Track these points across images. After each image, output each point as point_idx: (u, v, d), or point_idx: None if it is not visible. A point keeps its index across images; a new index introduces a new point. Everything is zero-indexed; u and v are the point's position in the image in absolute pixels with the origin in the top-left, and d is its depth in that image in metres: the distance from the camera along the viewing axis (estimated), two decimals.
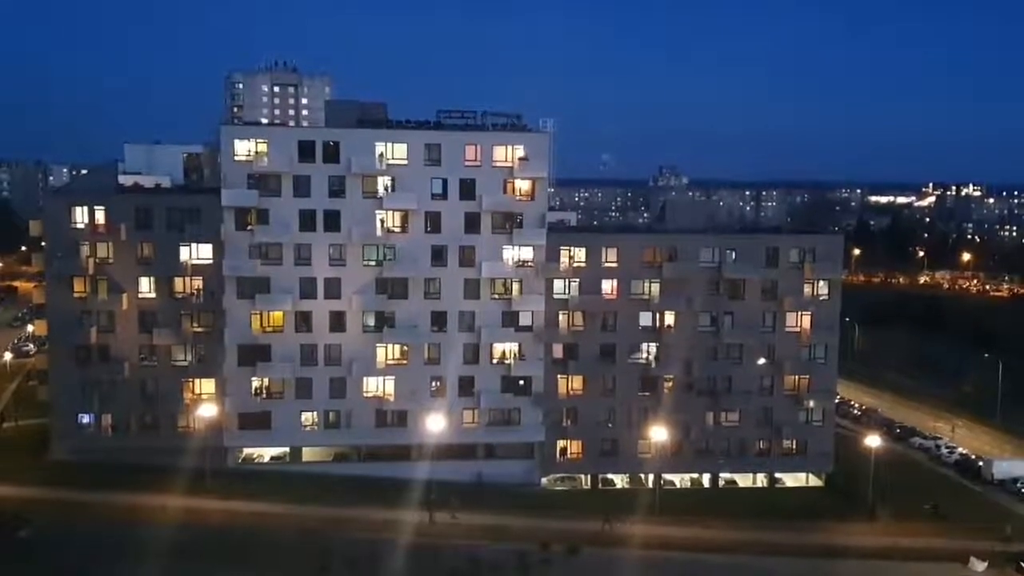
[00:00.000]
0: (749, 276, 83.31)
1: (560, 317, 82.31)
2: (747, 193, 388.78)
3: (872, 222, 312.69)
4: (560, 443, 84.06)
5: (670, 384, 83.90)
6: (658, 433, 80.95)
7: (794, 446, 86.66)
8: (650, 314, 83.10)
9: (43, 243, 79.19)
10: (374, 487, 76.42)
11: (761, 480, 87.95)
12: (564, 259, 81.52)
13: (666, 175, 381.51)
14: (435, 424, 78.45)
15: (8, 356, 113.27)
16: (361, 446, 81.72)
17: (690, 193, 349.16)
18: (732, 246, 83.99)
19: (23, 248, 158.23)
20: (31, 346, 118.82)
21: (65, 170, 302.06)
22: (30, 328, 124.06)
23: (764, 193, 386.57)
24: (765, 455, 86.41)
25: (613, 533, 69.66)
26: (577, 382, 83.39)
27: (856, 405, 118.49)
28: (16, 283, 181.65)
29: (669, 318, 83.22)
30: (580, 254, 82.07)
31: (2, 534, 62.08)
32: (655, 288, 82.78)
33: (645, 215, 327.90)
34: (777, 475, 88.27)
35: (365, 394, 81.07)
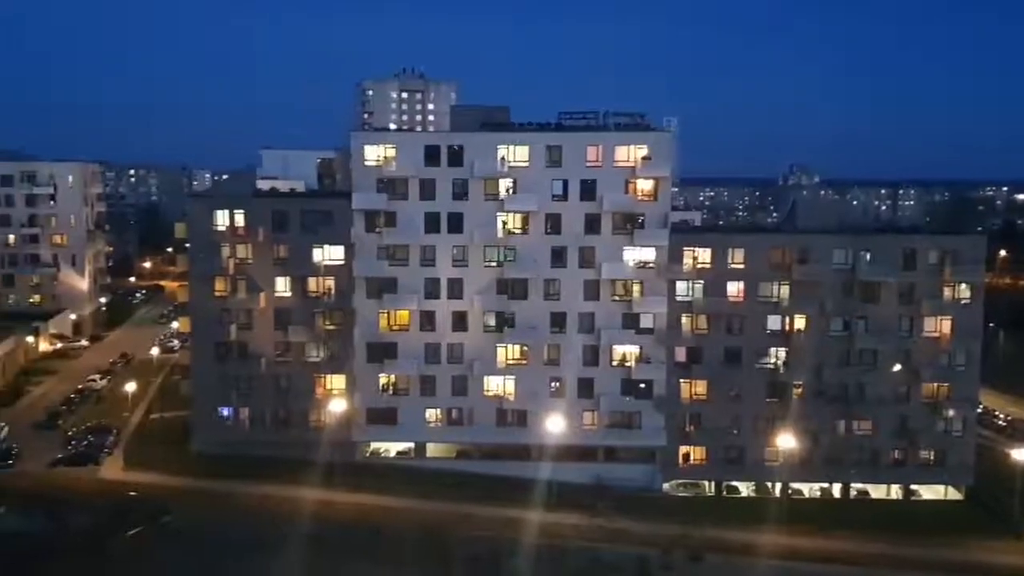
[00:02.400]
0: (885, 278, 79.83)
1: (683, 320, 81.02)
2: (882, 192, 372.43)
3: (1021, 222, 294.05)
4: (683, 448, 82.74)
5: (799, 390, 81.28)
6: (786, 440, 78.71)
7: (932, 457, 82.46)
8: (779, 317, 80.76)
9: (187, 244, 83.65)
10: (495, 485, 77.36)
11: (895, 492, 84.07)
12: (687, 260, 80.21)
13: (796, 173, 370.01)
14: (555, 425, 78.77)
15: (155, 351, 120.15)
16: (482, 444, 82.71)
17: (822, 192, 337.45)
18: (866, 247, 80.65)
19: (169, 249, 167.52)
20: (176, 342, 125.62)
21: (208, 175, 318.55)
22: (175, 325, 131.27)
23: (901, 192, 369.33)
24: (900, 465, 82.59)
25: (699, 538, 68.13)
26: (700, 387, 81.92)
27: (1000, 415, 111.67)
28: (163, 282, 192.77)
29: (799, 322, 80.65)
30: (704, 255, 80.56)
31: (148, 520, 66.10)
32: (784, 290, 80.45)
33: (774, 215, 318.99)
34: (913, 487, 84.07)
35: (486, 393, 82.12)
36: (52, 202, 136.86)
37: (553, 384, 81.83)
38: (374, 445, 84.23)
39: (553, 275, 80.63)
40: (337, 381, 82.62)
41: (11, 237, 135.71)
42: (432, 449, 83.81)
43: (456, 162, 79.81)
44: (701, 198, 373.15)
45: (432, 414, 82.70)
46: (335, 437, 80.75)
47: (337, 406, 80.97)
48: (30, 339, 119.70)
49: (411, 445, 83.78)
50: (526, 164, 79.80)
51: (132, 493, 73.25)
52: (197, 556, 61.55)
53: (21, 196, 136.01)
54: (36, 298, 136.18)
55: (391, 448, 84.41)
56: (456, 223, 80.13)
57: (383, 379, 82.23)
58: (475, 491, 76.06)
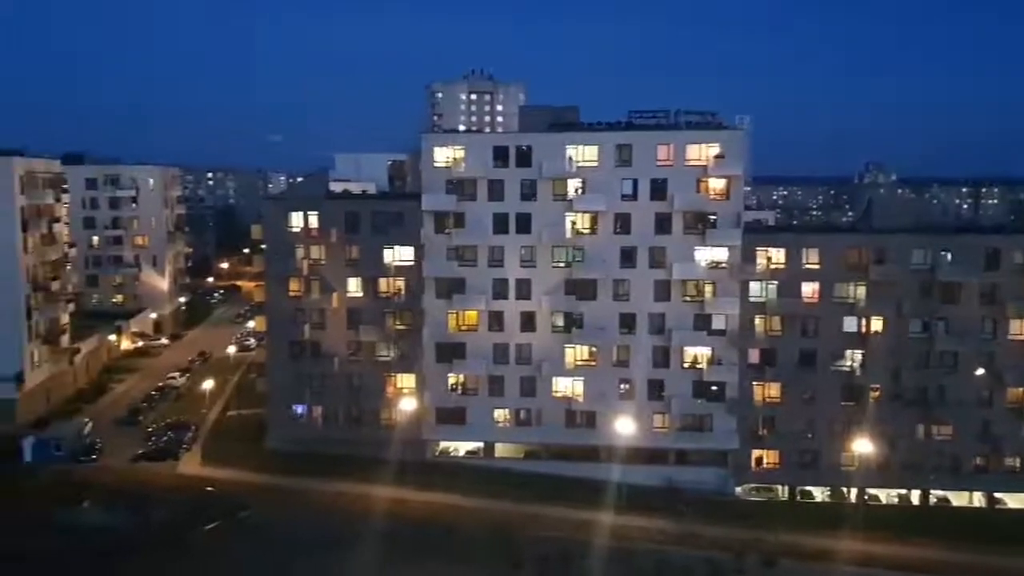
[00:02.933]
0: (966, 279, 77.36)
1: (756, 321, 79.72)
2: (963, 190, 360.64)
3: None
4: (755, 452, 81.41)
5: (876, 393, 79.33)
6: (862, 445, 76.84)
7: (1017, 464, 79.58)
8: (855, 319, 78.89)
9: (263, 245, 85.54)
10: (564, 486, 77.22)
11: (978, 499, 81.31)
12: (761, 260, 78.96)
13: (872, 171, 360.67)
14: (624, 427, 78.26)
15: (232, 350, 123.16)
16: (551, 445, 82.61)
17: (899, 190, 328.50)
18: (947, 247, 78.28)
19: (246, 250, 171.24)
20: (252, 341, 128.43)
21: (283, 177, 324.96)
22: (251, 324, 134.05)
23: (984, 190, 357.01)
24: (983, 472, 79.87)
25: (772, 543, 66.91)
26: (774, 389, 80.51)
27: None
28: (239, 282, 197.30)
29: (876, 323, 78.65)
30: (778, 255, 79.19)
31: (225, 515, 67.77)
32: (860, 291, 78.57)
33: (850, 214, 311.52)
34: (997, 495, 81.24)
35: (555, 394, 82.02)
36: (134, 205, 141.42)
37: (623, 385, 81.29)
38: (443, 444, 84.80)
39: (622, 275, 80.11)
40: (407, 380, 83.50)
41: (95, 238, 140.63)
42: (500, 449, 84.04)
43: (525, 163, 79.92)
44: (774, 197, 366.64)
45: (500, 414, 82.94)
46: (405, 436, 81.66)
47: (407, 405, 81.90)
48: (113, 337, 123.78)
49: (480, 445, 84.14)
50: (595, 164, 79.48)
51: (209, 489, 75.19)
52: (273, 552, 62.79)
53: (105, 199, 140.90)
54: (119, 298, 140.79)
55: (460, 447, 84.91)
56: (524, 223, 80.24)
57: (452, 379, 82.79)
58: (544, 492, 76.03)
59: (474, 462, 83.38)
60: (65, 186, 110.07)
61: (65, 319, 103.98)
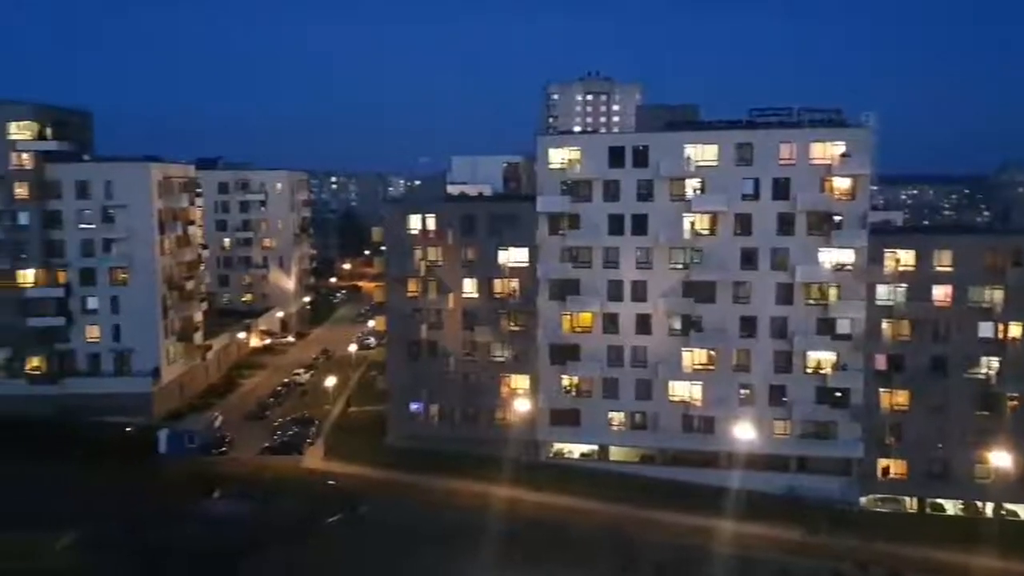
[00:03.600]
0: None
1: (883, 326, 76.56)
2: None
3: None
4: (882, 461, 78.14)
5: (1014, 403, 74.96)
6: (999, 457, 72.72)
7: None
8: (991, 324, 74.76)
9: (383, 247, 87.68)
10: (680, 491, 76.01)
11: None
12: (889, 262, 75.78)
13: (1010, 170, 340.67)
14: (744, 432, 76.48)
15: (353, 348, 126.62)
16: (667, 449, 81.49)
17: None
18: None
19: (366, 252, 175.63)
20: (372, 340, 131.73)
21: (402, 180, 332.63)
22: (371, 324, 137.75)
23: None
24: None
25: (899, 556, 64.03)
26: (902, 396, 77.10)
27: None
28: (360, 283, 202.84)
29: (1014, 329, 74.36)
30: (907, 257, 75.85)
31: (346, 509, 69.74)
32: (997, 295, 74.43)
33: (985, 214, 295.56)
34: None
35: (671, 398, 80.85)
36: (263, 208, 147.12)
37: (742, 391, 79.43)
38: (557, 446, 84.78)
39: (743, 277, 78.31)
40: (521, 381, 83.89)
41: (227, 241, 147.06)
42: (615, 452, 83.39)
43: (641, 163, 79.15)
44: (903, 197, 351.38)
45: (615, 417, 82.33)
46: (520, 436, 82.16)
47: (521, 405, 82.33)
48: (242, 335, 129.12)
49: (594, 447, 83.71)
50: (714, 163, 78.00)
51: (332, 482, 77.47)
52: (391, 545, 64.23)
53: (236, 202, 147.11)
54: (248, 297, 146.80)
55: (574, 449, 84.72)
56: (640, 224, 79.46)
57: (566, 380, 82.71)
58: (659, 496, 75.05)
59: (588, 464, 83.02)
60: (199, 190, 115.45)
61: (198, 317, 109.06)
